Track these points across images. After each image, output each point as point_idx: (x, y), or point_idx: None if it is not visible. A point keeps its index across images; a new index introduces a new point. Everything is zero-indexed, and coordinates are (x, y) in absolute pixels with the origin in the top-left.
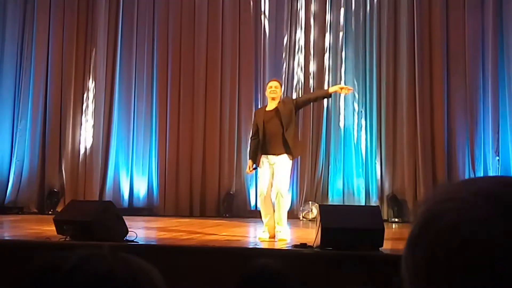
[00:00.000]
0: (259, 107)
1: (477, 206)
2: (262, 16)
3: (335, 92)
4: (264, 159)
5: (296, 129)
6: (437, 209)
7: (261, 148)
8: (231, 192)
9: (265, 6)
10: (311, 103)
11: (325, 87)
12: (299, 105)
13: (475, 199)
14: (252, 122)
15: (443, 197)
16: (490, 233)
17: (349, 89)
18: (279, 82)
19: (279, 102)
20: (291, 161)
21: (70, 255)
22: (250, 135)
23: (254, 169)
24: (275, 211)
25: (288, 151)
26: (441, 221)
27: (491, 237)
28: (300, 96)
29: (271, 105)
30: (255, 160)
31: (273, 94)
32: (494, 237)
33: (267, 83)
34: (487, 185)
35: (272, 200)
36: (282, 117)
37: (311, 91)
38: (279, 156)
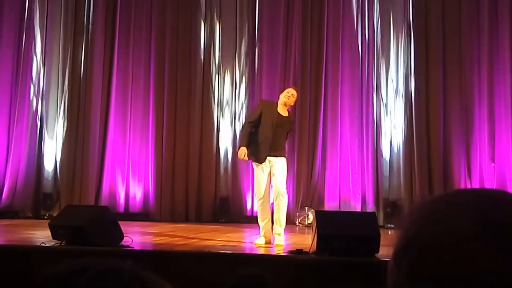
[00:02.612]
0: None
1: (461, 223)
2: (259, 20)
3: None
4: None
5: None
6: (421, 224)
7: (269, 148)
8: (227, 197)
9: (262, 11)
10: None
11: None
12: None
13: (459, 215)
14: (256, 109)
15: (428, 211)
16: (474, 251)
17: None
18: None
19: (289, 111)
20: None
21: (89, 267)
22: (249, 120)
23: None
24: (274, 212)
25: (285, 153)
26: (424, 237)
27: (475, 255)
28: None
29: (283, 111)
30: (247, 146)
31: (290, 103)
32: (478, 255)
33: (291, 88)
34: (471, 199)
35: (271, 201)
36: (288, 127)
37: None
38: (279, 158)
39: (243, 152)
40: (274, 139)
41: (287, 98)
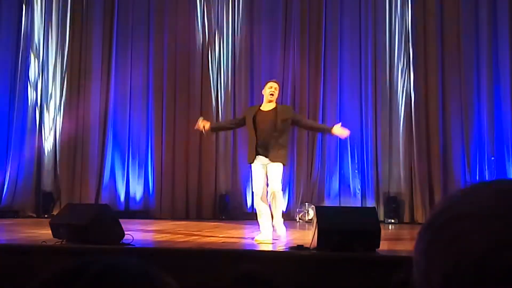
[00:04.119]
0: None
1: (483, 203)
2: (257, 18)
3: (338, 135)
4: (258, 159)
5: (288, 138)
6: (448, 203)
7: (255, 148)
8: (227, 195)
9: (261, 8)
10: (304, 128)
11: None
12: (295, 122)
13: (483, 197)
14: (241, 113)
15: (457, 193)
16: (494, 226)
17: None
18: (278, 84)
19: (276, 104)
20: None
21: (96, 262)
22: (232, 118)
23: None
24: (272, 211)
25: (281, 158)
26: (446, 214)
27: (493, 230)
28: (299, 115)
29: (267, 106)
30: (211, 127)
31: (271, 97)
32: (496, 230)
33: (267, 83)
34: (502, 186)
35: (268, 201)
36: (280, 121)
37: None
38: (274, 163)
39: (199, 124)
40: (261, 138)
41: (271, 95)
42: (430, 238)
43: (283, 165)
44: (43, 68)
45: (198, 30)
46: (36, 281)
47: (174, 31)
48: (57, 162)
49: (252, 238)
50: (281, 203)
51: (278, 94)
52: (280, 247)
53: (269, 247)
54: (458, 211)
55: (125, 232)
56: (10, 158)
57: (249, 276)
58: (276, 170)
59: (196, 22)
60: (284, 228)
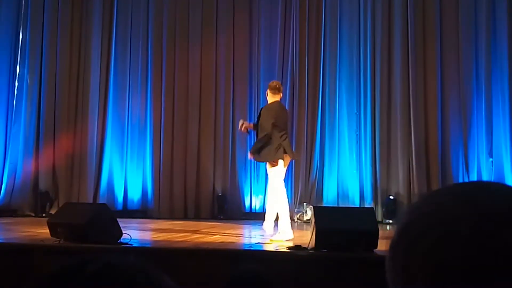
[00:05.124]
0: (254, 108)
1: (451, 207)
2: (257, 20)
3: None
4: None
5: (272, 135)
6: (416, 213)
7: None
8: (225, 194)
9: (260, 10)
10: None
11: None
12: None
13: (450, 201)
14: None
15: (423, 202)
16: (462, 231)
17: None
18: (269, 85)
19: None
20: (274, 164)
21: (94, 261)
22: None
23: None
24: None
25: (265, 157)
26: (415, 223)
27: (463, 236)
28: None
29: None
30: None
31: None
32: (466, 235)
33: None
34: (464, 189)
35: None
36: (261, 120)
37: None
38: (266, 163)
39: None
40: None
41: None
42: (403, 257)
43: (270, 162)
44: (42, 65)
45: (198, 27)
46: (33, 280)
47: (173, 27)
48: (55, 161)
49: (250, 236)
50: (279, 202)
51: (269, 94)
52: (280, 247)
53: (267, 247)
54: (425, 220)
55: (123, 232)
56: (8, 157)
57: (248, 276)
58: (270, 174)
59: (196, 19)
60: (283, 231)
